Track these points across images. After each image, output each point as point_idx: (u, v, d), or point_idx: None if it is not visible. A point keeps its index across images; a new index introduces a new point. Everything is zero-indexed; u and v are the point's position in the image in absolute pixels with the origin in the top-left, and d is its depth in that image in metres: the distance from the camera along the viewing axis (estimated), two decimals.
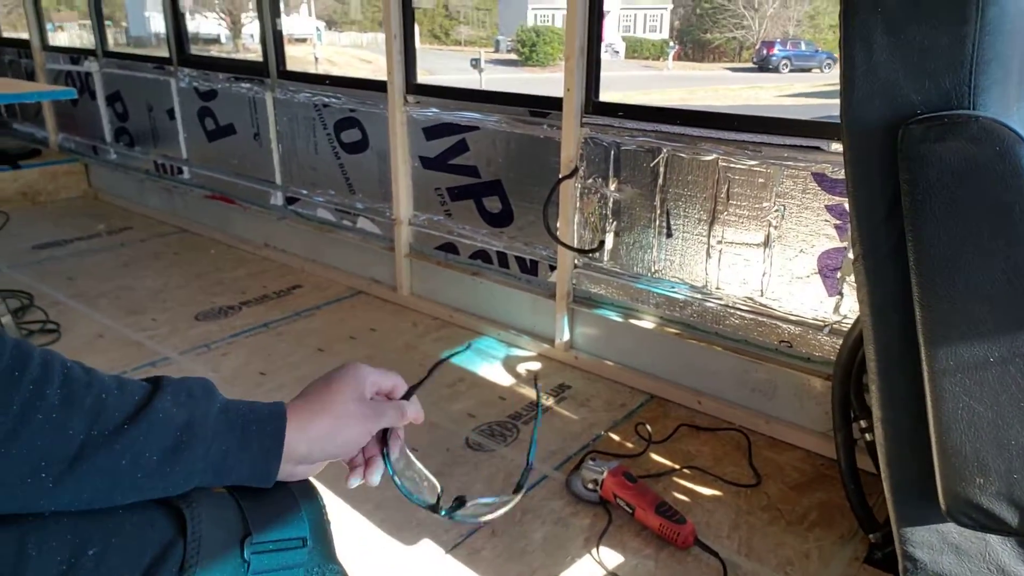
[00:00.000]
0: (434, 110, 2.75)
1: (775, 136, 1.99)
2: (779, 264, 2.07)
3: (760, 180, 2.04)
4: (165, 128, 3.99)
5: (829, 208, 1.94)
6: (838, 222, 1.94)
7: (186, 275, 3.36)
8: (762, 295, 2.13)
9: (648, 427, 2.16)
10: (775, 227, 2.05)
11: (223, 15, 24.32)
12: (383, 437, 0.78)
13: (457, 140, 2.72)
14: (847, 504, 1.66)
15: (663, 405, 2.32)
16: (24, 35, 4.73)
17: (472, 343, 1.11)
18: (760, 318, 2.15)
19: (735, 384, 2.22)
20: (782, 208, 2.02)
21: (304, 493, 0.74)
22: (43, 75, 4.69)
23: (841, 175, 1.91)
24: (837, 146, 1.89)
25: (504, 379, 2.48)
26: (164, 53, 3.82)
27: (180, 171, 4.02)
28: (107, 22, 4.38)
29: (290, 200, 3.46)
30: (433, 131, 2.78)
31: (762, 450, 2.08)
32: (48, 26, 4.80)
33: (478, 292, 2.83)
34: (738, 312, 2.19)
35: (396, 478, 0.77)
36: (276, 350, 2.64)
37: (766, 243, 2.08)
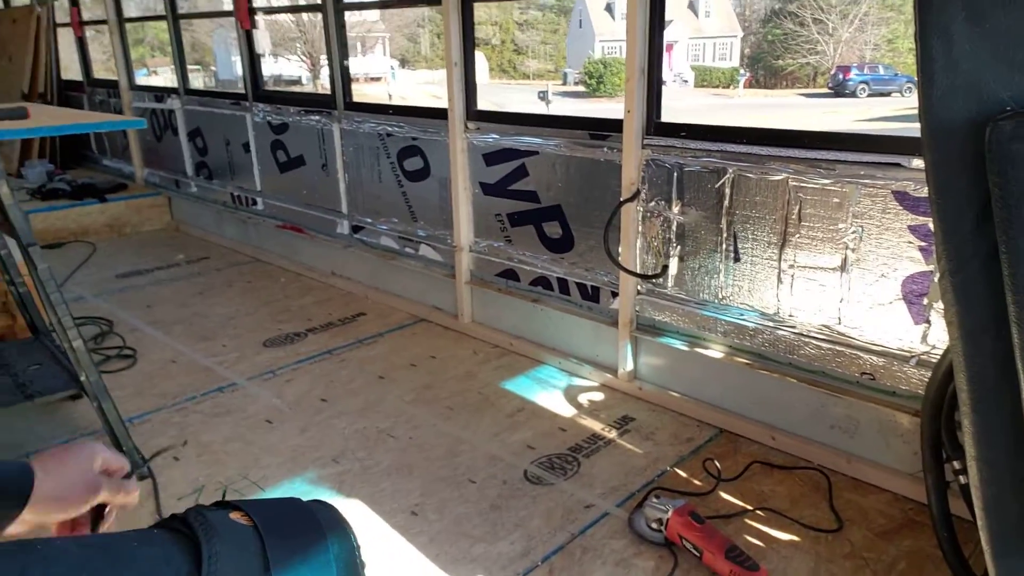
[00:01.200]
0: (494, 136, 2.74)
1: (850, 153, 1.87)
2: (858, 290, 1.94)
3: (835, 200, 1.92)
4: (241, 161, 4.15)
5: (913, 229, 1.81)
6: (923, 244, 1.80)
7: (256, 303, 3.44)
8: (840, 323, 1.99)
9: (717, 463, 2.04)
10: (852, 250, 1.92)
11: (304, 58, 25.60)
12: (97, 513, 0.81)
13: (517, 165, 2.70)
14: (940, 554, 1.50)
15: (733, 440, 2.19)
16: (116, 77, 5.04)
17: (187, 440, 1.08)
18: (838, 348, 2.01)
19: (812, 419, 2.08)
20: (860, 229, 1.89)
21: (333, 527, 0.69)
22: (129, 112, 4.98)
23: (925, 193, 1.78)
24: (919, 162, 1.75)
25: (565, 410, 2.40)
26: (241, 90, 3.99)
27: (254, 202, 4.15)
28: (197, 67, 4.63)
29: (355, 228, 3.51)
30: (493, 157, 2.77)
31: (844, 492, 1.93)
32: (143, 71, 5.11)
33: (539, 319, 2.77)
34: (813, 341, 2.05)
35: None
36: (338, 377, 2.65)
37: (843, 267, 1.95)
